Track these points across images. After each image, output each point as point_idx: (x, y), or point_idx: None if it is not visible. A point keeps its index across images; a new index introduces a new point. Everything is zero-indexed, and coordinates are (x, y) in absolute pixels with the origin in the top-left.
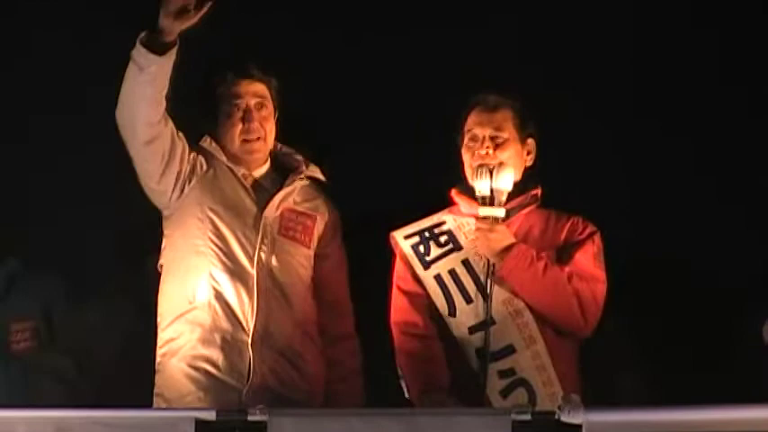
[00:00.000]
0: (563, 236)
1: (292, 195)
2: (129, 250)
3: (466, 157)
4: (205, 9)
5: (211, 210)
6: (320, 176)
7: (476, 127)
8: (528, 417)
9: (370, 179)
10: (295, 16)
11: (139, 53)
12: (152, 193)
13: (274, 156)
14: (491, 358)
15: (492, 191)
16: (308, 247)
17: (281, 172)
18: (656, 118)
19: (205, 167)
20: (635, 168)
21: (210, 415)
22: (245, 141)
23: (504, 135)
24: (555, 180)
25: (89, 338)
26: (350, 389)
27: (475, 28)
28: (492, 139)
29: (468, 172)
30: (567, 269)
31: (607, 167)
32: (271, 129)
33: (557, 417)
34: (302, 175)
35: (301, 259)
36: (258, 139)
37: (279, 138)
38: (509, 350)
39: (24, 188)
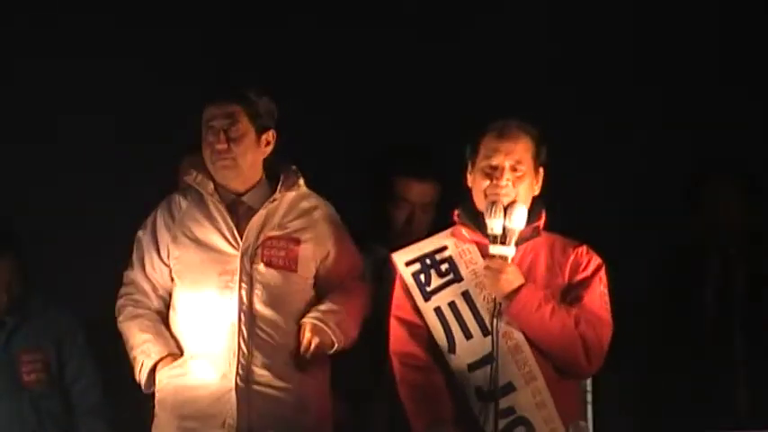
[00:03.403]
0: (568, 270)
1: (276, 215)
2: None
3: (480, 182)
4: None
5: (185, 257)
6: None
7: (495, 155)
8: None
9: None
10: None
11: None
12: None
13: (268, 168)
14: (491, 397)
15: (504, 229)
16: (294, 271)
17: (272, 186)
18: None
19: (178, 210)
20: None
21: None
22: (214, 161)
23: (524, 168)
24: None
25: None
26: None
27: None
28: (513, 170)
29: (479, 203)
30: (574, 312)
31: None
32: (246, 146)
33: None
34: (287, 191)
35: (288, 283)
36: (226, 157)
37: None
38: (509, 388)
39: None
